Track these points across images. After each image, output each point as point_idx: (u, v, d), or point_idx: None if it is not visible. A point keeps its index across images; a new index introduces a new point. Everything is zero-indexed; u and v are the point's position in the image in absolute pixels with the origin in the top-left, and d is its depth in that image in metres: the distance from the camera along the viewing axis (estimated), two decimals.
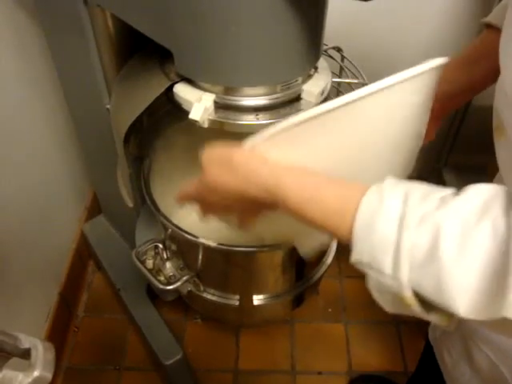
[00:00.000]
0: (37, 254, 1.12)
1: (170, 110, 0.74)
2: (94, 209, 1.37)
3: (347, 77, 0.75)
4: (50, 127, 1.14)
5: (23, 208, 1.05)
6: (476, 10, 1.12)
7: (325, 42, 0.75)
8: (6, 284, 1.00)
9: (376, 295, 0.39)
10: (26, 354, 0.38)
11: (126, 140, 0.75)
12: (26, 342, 0.38)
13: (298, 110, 0.63)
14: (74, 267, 1.29)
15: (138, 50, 0.77)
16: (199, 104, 0.60)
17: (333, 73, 0.71)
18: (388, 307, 0.39)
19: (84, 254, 1.35)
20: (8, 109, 0.96)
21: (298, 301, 0.97)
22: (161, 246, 0.85)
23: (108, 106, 0.83)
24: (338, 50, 0.78)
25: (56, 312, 1.19)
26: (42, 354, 0.38)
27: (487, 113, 1.34)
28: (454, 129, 1.24)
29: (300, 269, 0.90)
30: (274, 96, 0.61)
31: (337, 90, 0.78)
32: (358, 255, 0.38)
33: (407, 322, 1.28)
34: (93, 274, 1.38)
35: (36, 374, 0.37)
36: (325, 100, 0.66)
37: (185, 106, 0.63)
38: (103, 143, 0.92)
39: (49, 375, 0.38)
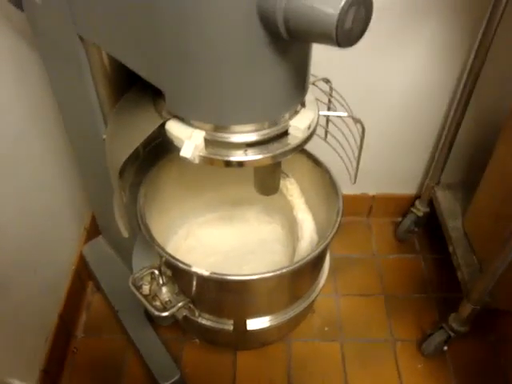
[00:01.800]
0: (36, 275, 1.14)
1: (164, 141, 0.77)
2: (93, 229, 1.39)
3: (335, 108, 0.77)
4: (50, 152, 1.17)
5: (23, 230, 1.07)
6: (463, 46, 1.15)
7: (314, 73, 0.78)
8: (5, 306, 1.01)
9: None
10: None
11: (122, 170, 0.77)
12: None
13: (286, 145, 0.65)
14: (73, 288, 1.31)
15: (133, 83, 0.79)
16: (189, 141, 0.62)
17: (321, 102, 0.73)
18: None
19: (83, 274, 1.37)
20: (9, 135, 0.99)
21: (292, 323, 0.99)
22: (157, 272, 0.87)
23: (104, 136, 0.85)
24: (327, 81, 0.80)
25: (55, 333, 1.20)
26: None
27: (479, 131, 1.38)
28: (446, 146, 1.26)
29: (293, 292, 0.92)
30: (262, 132, 0.64)
31: (326, 122, 0.81)
32: None
33: (404, 341, 1.30)
34: (92, 294, 1.39)
35: None
36: (311, 134, 0.68)
37: (176, 143, 0.65)
38: (101, 170, 0.95)
39: None
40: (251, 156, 0.64)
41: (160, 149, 0.86)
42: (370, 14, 0.51)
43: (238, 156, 0.64)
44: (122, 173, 0.73)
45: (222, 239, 1.04)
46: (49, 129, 1.14)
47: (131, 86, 0.80)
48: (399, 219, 1.54)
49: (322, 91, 0.78)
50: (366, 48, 0.94)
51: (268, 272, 0.75)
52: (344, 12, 0.47)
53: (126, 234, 0.79)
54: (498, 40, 1.04)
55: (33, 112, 1.07)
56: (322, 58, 0.80)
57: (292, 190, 0.93)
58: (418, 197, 1.46)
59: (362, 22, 0.50)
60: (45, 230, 1.17)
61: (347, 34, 0.49)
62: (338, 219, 0.83)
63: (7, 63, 0.96)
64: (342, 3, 0.47)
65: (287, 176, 0.92)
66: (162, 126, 0.67)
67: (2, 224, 0.99)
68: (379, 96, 1.25)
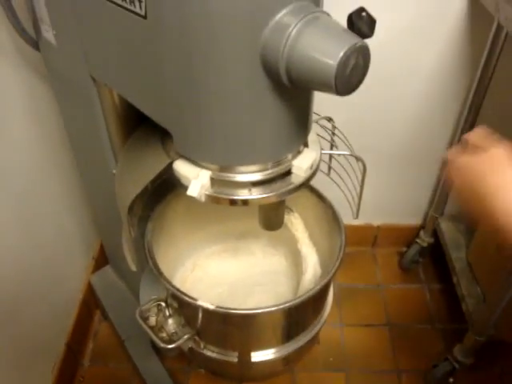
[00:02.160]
0: (45, 304, 1.16)
1: (171, 177, 0.80)
2: (102, 259, 1.41)
3: (337, 146, 0.80)
4: (61, 185, 1.20)
5: (33, 259, 1.09)
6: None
7: (317, 112, 0.81)
8: (14, 333, 1.03)
9: None
10: None
11: (131, 206, 0.79)
12: None
13: (289, 184, 0.68)
14: (80, 317, 1.32)
15: (142, 121, 0.82)
16: (196, 181, 0.65)
17: (324, 139, 0.76)
18: None
19: (91, 303, 1.38)
20: (23, 168, 1.02)
21: (297, 354, 1.00)
22: (163, 304, 0.89)
23: (114, 171, 0.88)
24: (329, 119, 0.83)
25: (62, 361, 1.22)
26: None
27: None
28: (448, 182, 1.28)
29: (297, 324, 0.93)
30: (266, 172, 0.66)
31: (329, 158, 0.83)
32: None
33: (409, 371, 1.29)
34: (99, 323, 1.41)
35: None
36: (314, 173, 0.70)
37: (183, 182, 0.67)
38: (110, 202, 0.97)
39: None
40: (256, 195, 0.66)
41: (167, 184, 0.89)
42: (368, 63, 0.54)
43: (242, 195, 0.66)
44: (130, 208, 0.76)
45: (227, 271, 1.05)
46: (59, 162, 1.17)
47: (140, 124, 0.83)
48: (404, 249, 1.55)
49: (325, 129, 0.81)
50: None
51: (272, 306, 0.77)
52: (343, 62, 0.50)
53: (133, 268, 0.81)
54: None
55: (45, 146, 1.10)
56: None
57: (296, 224, 0.95)
58: (422, 227, 1.48)
59: (360, 72, 0.53)
60: (54, 259, 1.19)
61: (346, 83, 0.52)
62: (341, 254, 0.85)
63: (23, 100, 1.00)
64: (341, 54, 0.49)
65: (291, 211, 0.94)
66: (170, 164, 0.69)
67: (14, 253, 1.01)
68: (382, 127, 1.28)
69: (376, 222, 1.53)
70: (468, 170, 0.57)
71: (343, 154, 0.77)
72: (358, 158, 0.76)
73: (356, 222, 1.50)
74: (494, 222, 0.52)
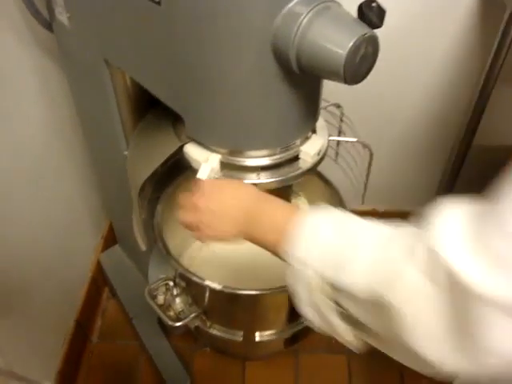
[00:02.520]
0: (56, 281, 1.18)
1: (182, 159, 0.81)
2: (110, 238, 1.43)
3: (345, 133, 0.81)
4: (71, 165, 1.22)
5: (44, 238, 1.12)
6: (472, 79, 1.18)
7: (326, 99, 0.82)
8: (26, 311, 1.06)
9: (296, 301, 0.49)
10: None
11: (141, 188, 0.81)
12: None
13: (297, 169, 0.69)
14: (89, 295, 1.35)
15: (154, 104, 0.84)
16: (206, 164, 0.66)
17: (332, 125, 0.77)
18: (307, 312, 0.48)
19: (99, 281, 1.41)
20: (36, 149, 1.05)
21: (300, 335, 1.02)
22: (171, 283, 0.91)
23: (125, 153, 0.90)
24: (338, 106, 0.84)
25: (72, 338, 1.25)
26: None
27: (489, 154, 1.39)
28: (455, 170, 1.29)
29: None
30: (275, 157, 0.67)
31: (337, 144, 0.84)
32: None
33: None
34: (107, 300, 1.44)
35: None
36: (321, 159, 0.71)
37: (193, 165, 0.69)
38: (120, 183, 0.99)
39: None
40: (264, 179, 0.68)
41: (177, 166, 0.90)
42: (377, 53, 0.55)
43: (251, 179, 0.68)
44: (141, 190, 0.78)
45: (235, 252, 1.07)
46: (70, 143, 1.19)
47: (152, 107, 0.85)
48: None
49: (333, 115, 0.82)
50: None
51: (277, 287, 0.79)
52: (352, 52, 0.51)
53: (143, 248, 0.84)
54: None
55: (57, 127, 1.12)
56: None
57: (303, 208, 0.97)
58: None
59: (368, 61, 0.54)
60: (64, 238, 1.22)
61: (355, 72, 0.53)
62: None
63: (34, 81, 1.02)
64: (350, 44, 0.51)
65: (299, 195, 0.95)
66: (181, 147, 0.71)
67: (27, 232, 1.04)
68: (390, 114, 1.29)
69: (381, 208, 1.55)
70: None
71: (350, 141, 0.78)
72: (365, 145, 0.77)
73: (362, 208, 1.51)
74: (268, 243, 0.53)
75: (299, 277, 0.47)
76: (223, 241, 0.61)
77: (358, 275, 0.43)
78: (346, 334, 0.47)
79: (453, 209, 0.41)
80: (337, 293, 0.45)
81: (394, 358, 0.46)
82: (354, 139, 0.77)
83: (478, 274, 0.35)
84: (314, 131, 0.72)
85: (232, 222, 0.58)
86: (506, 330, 0.36)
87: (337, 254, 0.45)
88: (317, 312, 0.47)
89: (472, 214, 0.39)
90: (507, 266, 0.34)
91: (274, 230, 0.50)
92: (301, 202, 0.96)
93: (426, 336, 0.40)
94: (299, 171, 0.69)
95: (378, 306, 0.42)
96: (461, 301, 0.37)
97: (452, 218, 0.40)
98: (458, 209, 0.41)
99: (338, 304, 0.46)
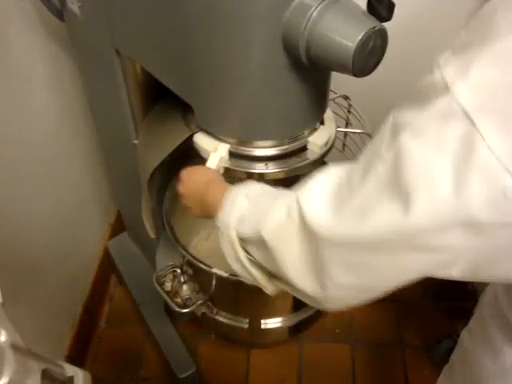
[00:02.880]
0: (64, 268, 1.20)
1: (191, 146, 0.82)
2: (118, 226, 1.45)
3: (352, 125, 0.82)
4: (80, 152, 1.23)
5: (54, 224, 1.14)
6: None
7: (334, 90, 0.83)
8: (37, 296, 1.09)
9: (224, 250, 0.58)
10: (70, 380, 0.46)
11: (151, 176, 0.82)
12: (69, 370, 0.47)
13: (304, 160, 0.70)
14: (97, 281, 1.37)
15: (164, 94, 0.85)
16: (215, 154, 0.67)
17: (340, 116, 0.78)
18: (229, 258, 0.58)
19: (107, 268, 1.43)
20: (46, 137, 1.06)
21: (305, 324, 1.04)
22: (179, 270, 0.93)
23: (135, 142, 0.91)
24: (346, 98, 0.84)
25: (80, 322, 1.27)
26: (81, 380, 0.47)
27: None
28: None
29: None
30: (282, 147, 0.69)
31: (344, 135, 0.85)
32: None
33: (412, 347, 1.33)
34: (115, 287, 1.46)
35: None
36: (329, 150, 0.72)
37: (202, 154, 0.70)
38: (129, 171, 1.01)
39: None
40: (272, 169, 0.69)
41: (186, 155, 0.91)
42: (386, 46, 0.55)
43: (259, 169, 0.69)
44: (150, 178, 0.79)
45: None
46: (80, 132, 1.20)
47: (162, 97, 0.85)
48: None
49: (341, 107, 0.82)
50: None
51: None
52: (361, 45, 0.52)
53: (152, 235, 0.85)
54: None
55: (67, 116, 1.13)
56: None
57: None
58: None
59: (377, 54, 0.55)
60: (73, 225, 1.23)
61: (363, 65, 0.54)
62: None
63: (46, 69, 1.03)
64: (359, 37, 0.51)
65: None
66: (190, 136, 0.72)
67: (37, 217, 1.05)
68: (399, 101, 1.29)
69: None
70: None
71: (358, 132, 0.79)
72: (372, 137, 0.77)
73: None
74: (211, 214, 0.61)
75: (224, 237, 0.57)
76: (202, 218, 0.69)
77: (252, 223, 0.53)
78: (262, 280, 0.57)
79: (325, 172, 0.49)
80: (246, 243, 0.56)
81: (299, 298, 0.54)
82: (362, 130, 0.78)
83: (323, 221, 0.44)
84: (322, 122, 0.73)
85: (196, 204, 0.66)
86: (343, 264, 0.45)
87: (245, 214, 0.55)
88: (240, 265, 0.57)
89: (337, 175, 0.47)
90: (344, 210, 0.43)
91: (214, 206, 0.59)
92: None
93: (297, 272, 0.50)
94: (307, 161, 0.70)
95: (264, 245, 0.51)
96: (314, 243, 0.46)
97: (321, 178, 0.49)
98: (329, 171, 0.49)
99: (249, 254, 0.56)
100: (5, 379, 0.38)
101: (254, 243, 0.54)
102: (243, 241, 0.56)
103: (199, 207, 0.66)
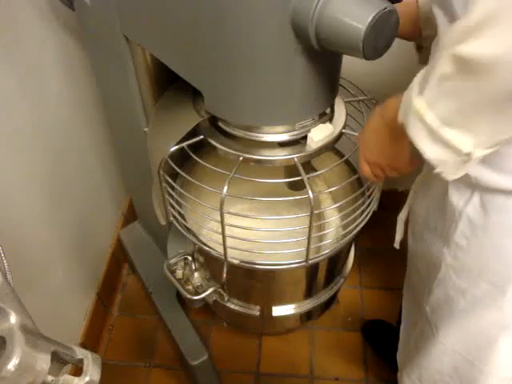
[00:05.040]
0: (78, 256, 1.22)
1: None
2: (130, 214, 1.46)
3: None
4: (92, 141, 1.24)
5: (67, 215, 1.15)
6: None
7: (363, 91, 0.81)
8: (51, 284, 1.10)
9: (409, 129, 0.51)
10: (79, 363, 0.47)
11: (161, 163, 0.82)
12: (79, 353, 0.47)
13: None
14: (110, 269, 1.39)
15: (173, 81, 0.84)
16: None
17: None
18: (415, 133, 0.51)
19: (120, 257, 1.44)
20: (58, 126, 1.07)
21: (316, 312, 1.04)
22: (190, 258, 0.93)
23: (145, 129, 0.91)
24: (373, 100, 0.81)
25: (93, 311, 1.29)
26: (91, 362, 0.47)
27: None
28: None
29: (318, 282, 0.97)
30: (293, 133, 0.68)
31: None
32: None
33: None
34: (127, 275, 1.47)
35: (88, 378, 0.46)
36: (339, 137, 0.72)
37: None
38: (140, 159, 1.01)
39: (97, 379, 0.47)
40: (281, 155, 0.68)
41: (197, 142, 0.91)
42: (396, 27, 0.55)
43: (269, 155, 0.69)
44: (161, 165, 0.79)
45: (253, 227, 1.08)
46: (91, 120, 1.21)
47: (171, 83, 0.85)
48: None
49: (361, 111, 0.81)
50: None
51: (294, 262, 0.80)
52: (371, 27, 0.51)
53: (163, 222, 0.85)
54: None
55: (78, 104, 1.14)
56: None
57: (320, 186, 0.97)
58: None
59: (387, 36, 0.54)
60: (85, 214, 1.24)
61: (374, 47, 0.53)
62: (362, 219, 0.87)
63: (57, 58, 1.03)
64: (370, 18, 0.51)
65: (315, 171, 0.95)
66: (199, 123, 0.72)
67: (51, 208, 1.06)
68: None
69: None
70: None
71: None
72: None
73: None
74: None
75: (410, 119, 0.50)
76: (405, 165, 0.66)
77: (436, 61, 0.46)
78: (461, 142, 0.48)
79: None
80: (436, 98, 0.48)
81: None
82: None
83: None
84: (331, 119, 0.72)
85: (381, 139, 0.62)
86: None
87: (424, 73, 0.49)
88: (429, 133, 0.49)
89: None
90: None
91: (393, 112, 0.54)
92: (318, 178, 0.97)
93: None
94: (301, 154, 0.70)
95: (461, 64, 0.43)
96: None
97: None
98: None
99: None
100: (15, 360, 0.38)
101: (450, 79, 0.45)
102: (431, 104, 0.48)
103: (385, 136, 0.60)
